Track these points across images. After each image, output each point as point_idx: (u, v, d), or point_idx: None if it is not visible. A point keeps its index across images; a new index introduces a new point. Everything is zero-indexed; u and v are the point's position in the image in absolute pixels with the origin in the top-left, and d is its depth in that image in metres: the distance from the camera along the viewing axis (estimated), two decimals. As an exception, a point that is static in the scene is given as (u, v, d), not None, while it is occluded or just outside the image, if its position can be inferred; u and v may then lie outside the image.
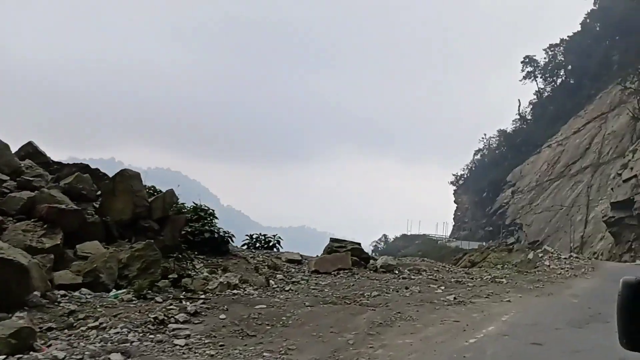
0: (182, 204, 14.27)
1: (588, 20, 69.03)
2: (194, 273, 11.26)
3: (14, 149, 12.03)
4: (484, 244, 52.04)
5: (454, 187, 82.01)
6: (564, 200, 51.72)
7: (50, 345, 5.97)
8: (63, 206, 10.18)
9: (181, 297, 9.05)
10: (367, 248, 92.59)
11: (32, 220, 9.70)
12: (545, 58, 70.54)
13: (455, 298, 10.54)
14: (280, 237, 15.88)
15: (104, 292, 8.75)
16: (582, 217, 47.05)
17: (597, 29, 66.44)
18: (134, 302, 8.23)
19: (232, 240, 13.45)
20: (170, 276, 10.58)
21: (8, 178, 10.94)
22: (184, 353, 6.02)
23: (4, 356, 5.30)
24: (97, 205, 11.59)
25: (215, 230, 12.96)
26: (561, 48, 69.39)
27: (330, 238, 14.94)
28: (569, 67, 68.87)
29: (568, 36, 69.59)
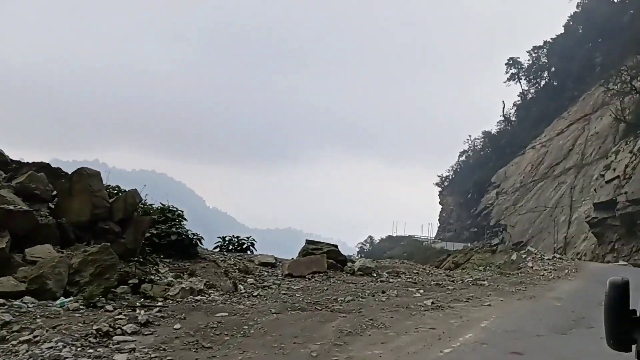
0: (150, 204, 13.55)
1: (571, 23, 69.57)
2: (158, 278, 10.56)
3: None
4: (468, 245, 51.86)
5: (439, 189, 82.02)
6: (548, 201, 51.83)
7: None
8: (11, 207, 9.40)
9: (137, 304, 8.37)
10: (353, 249, 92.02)
11: (-24, 222, 8.91)
12: (529, 60, 70.96)
13: (433, 302, 10.00)
14: (254, 239, 15.23)
15: (50, 301, 8.01)
16: (565, 217, 47.14)
17: (580, 31, 66.97)
18: (81, 311, 7.51)
19: (201, 243, 12.75)
20: (130, 281, 9.87)
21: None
22: (123, 370, 5.35)
23: None
24: (53, 206, 10.83)
25: (183, 232, 12.26)
26: (545, 50, 69.81)
27: (306, 240, 14.31)
28: (553, 69, 69.29)
29: (551, 38, 70.07)
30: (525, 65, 70.86)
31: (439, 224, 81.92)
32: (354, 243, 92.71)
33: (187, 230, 12.54)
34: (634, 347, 1.68)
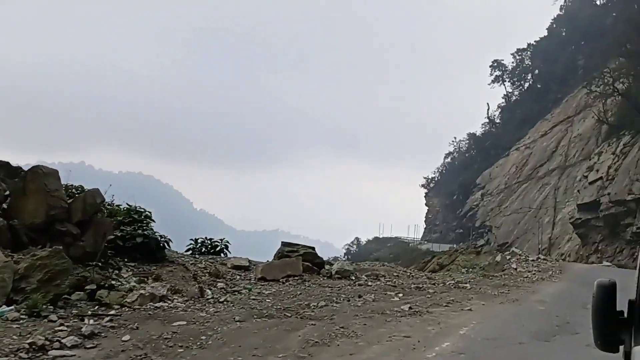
0: (118, 205, 12.85)
1: (554, 26, 69.99)
2: (119, 283, 9.87)
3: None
4: (454, 246, 51.69)
5: (425, 190, 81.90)
6: (532, 203, 51.92)
7: None
8: (-47, 207, 8.65)
9: (88, 313, 7.68)
10: (340, 251, 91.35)
11: None
12: (513, 62, 71.15)
13: (410, 307, 9.46)
14: (228, 242, 14.57)
15: (-11, 310, 7.29)
16: (549, 218, 47.19)
17: (564, 34, 67.39)
18: (21, 321, 6.81)
19: (169, 245, 12.07)
20: (87, 287, 9.18)
21: None
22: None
23: None
24: (5, 207, 10.08)
25: (150, 234, 11.57)
26: (528, 53, 70.07)
27: (282, 242, 13.70)
28: (536, 71, 69.58)
29: (535, 41, 70.37)
30: (510, 67, 71.11)
31: (425, 226, 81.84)
32: (341, 244, 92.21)
33: (155, 232, 11.87)
34: (621, 347, 1.67)
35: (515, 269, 19.25)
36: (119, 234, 11.35)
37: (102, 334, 6.51)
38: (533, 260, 24.24)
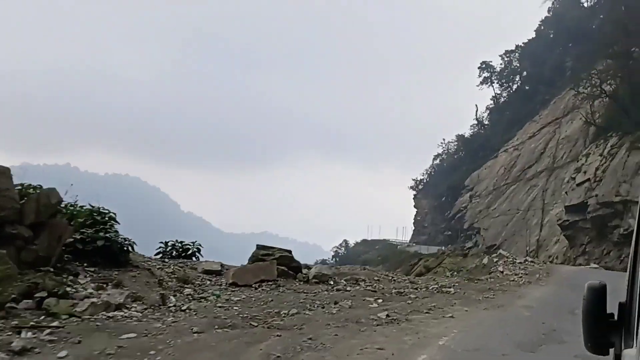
0: (81, 206, 12.06)
1: (542, 27, 70.10)
2: (74, 290, 9.12)
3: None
4: (442, 248, 51.32)
5: (414, 192, 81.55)
6: (520, 204, 51.73)
7: None
8: None
9: (29, 324, 6.94)
10: (328, 253, 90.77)
11: None
12: (501, 64, 71.11)
13: (388, 315, 8.83)
14: (200, 245, 13.82)
15: None
16: (537, 220, 46.99)
17: (551, 35, 67.51)
18: (-54, 335, 6.06)
19: (133, 248, 11.31)
20: (37, 295, 8.43)
21: None
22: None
23: None
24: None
25: (112, 237, 10.81)
26: (516, 54, 70.09)
27: (257, 245, 12.99)
28: (524, 73, 69.61)
29: (523, 43, 70.44)
30: (498, 69, 71.08)
31: (413, 228, 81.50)
32: (329, 247, 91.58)
33: (118, 235, 11.11)
34: (611, 350, 1.70)
35: (502, 272, 18.75)
36: (79, 237, 10.58)
37: (36, 350, 5.79)
38: (520, 262, 23.80)
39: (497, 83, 71.85)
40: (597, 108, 44.00)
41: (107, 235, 10.81)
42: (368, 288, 12.17)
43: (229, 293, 10.36)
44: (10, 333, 6.30)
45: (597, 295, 1.65)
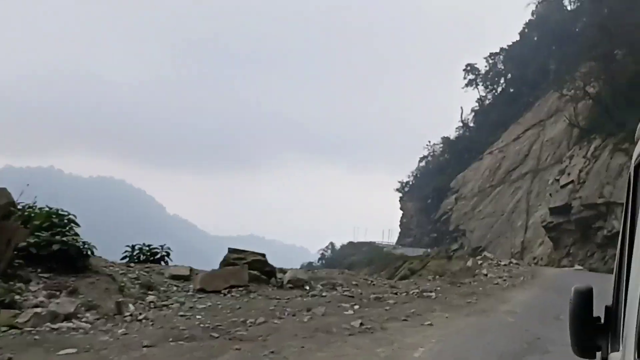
0: (40, 208, 11.29)
1: (526, 30, 70.46)
2: (23, 298, 8.40)
3: None
4: (428, 250, 51.05)
5: (400, 194, 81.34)
6: (505, 206, 51.72)
7: None
8: None
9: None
10: (315, 256, 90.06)
11: None
12: (486, 66, 71.32)
13: (362, 323, 8.24)
14: (169, 248, 13.11)
15: None
16: (522, 222, 46.98)
17: (535, 38, 67.87)
18: None
19: (93, 253, 10.58)
20: (-22, 304, 7.71)
21: None
22: None
23: None
24: None
25: (70, 241, 10.07)
26: (501, 57, 70.35)
27: (229, 248, 12.31)
28: (509, 75, 69.88)
29: (507, 45, 70.75)
30: (483, 71, 71.26)
31: (399, 230, 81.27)
32: (316, 249, 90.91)
33: (77, 239, 10.37)
34: (598, 354, 1.70)
35: (486, 274, 18.35)
36: (33, 241, 9.82)
37: (-46, 370, 5.08)
38: (505, 265, 23.49)
39: (482, 85, 72.03)
40: (581, 110, 44.15)
41: (65, 239, 10.07)
42: (345, 293, 11.58)
43: (194, 300, 9.69)
44: None
45: (584, 298, 1.64)
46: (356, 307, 10.12)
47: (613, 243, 31.22)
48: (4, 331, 6.80)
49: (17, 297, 8.46)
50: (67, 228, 10.59)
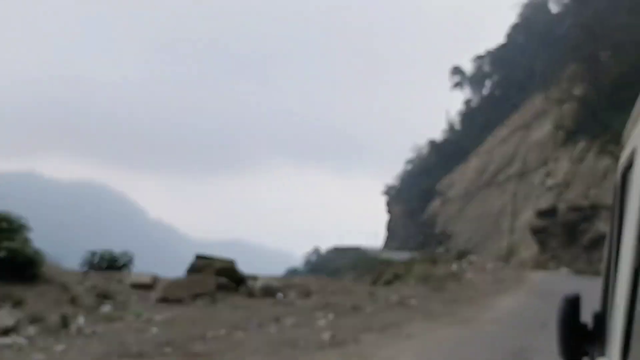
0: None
1: (512, 33, 70.67)
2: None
3: None
4: (415, 254, 50.58)
5: (386, 198, 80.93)
6: (491, 209, 51.51)
7: None
8: None
9: None
10: (300, 260, 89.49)
11: None
12: (472, 69, 71.43)
13: (333, 336, 7.54)
14: (131, 255, 12.29)
15: None
16: (508, 225, 46.77)
17: (521, 41, 68.08)
18: None
19: (44, 261, 9.74)
20: None
21: None
22: None
23: None
24: None
25: (17, 248, 9.23)
26: (487, 59, 70.48)
27: (196, 254, 11.54)
28: (495, 77, 69.99)
29: (494, 48, 70.90)
30: (469, 74, 71.28)
31: (386, 233, 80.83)
32: (302, 253, 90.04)
33: (28, 245, 9.53)
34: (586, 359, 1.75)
35: (470, 279, 17.79)
36: (-24, 247, 8.97)
37: None
38: (490, 268, 23.08)
39: (468, 88, 72.06)
40: (566, 112, 44.12)
41: (12, 245, 9.23)
42: (320, 302, 10.87)
43: (154, 311, 8.91)
44: None
45: (572, 305, 1.63)
46: (330, 316, 9.43)
47: (599, 245, 31.02)
48: None
49: (-49, 309, 7.64)
50: (17, 233, 9.75)
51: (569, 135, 41.15)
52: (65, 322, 7.62)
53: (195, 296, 9.81)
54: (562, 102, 44.15)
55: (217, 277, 10.58)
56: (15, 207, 10.70)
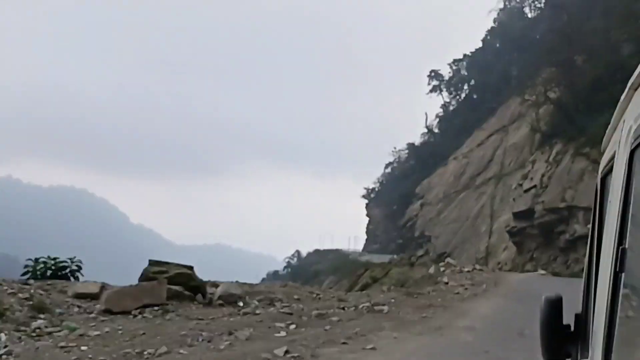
0: None
1: (489, 37, 71.27)
2: None
3: None
4: (395, 257, 50.17)
5: (366, 201, 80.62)
6: (470, 212, 51.48)
7: None
8: None
9: None
10: (282, 264, 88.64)
11: None
12: (450, 72, 71.69)
13: (288, 351, 6.74)
14: (80, 262, 11.28)
15: None
16: (486, 227, 46.72)
17: (497, 45, 68.65)
18: None
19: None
20: None
21: None
22: None
23: None
24: None
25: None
26: (464, 63, 70.85)
27: (149, 260, 10.59)
28: (472, 81, 70.37)
29: (471, 52, 71.33)
30: (447, 77, 71.55)
31: (366, 237, 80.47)
32: (283, 257, 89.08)
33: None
34: None
35: (447, 283, 17.17)
36: None
37: None
38: (468, 271, 22.58)
39: (446, 91, 72.34)
40: (542, 115, 44.36)
41: None
42: (284, 310, 10.05)
43: (92, 324, 7.97)
44: None
45: (554, 307, 1.65)
46: (292, 326, 8.63)
47: (575, 247, 30.99)
48: None
49: None
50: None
51: (545, 138, 41.29)
52: (-20, 340, 6.65)
53: (144, 307, 8.89)
54: (538, 106, 44.36)
55: (173, 284, 9.67)
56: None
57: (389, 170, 79.97)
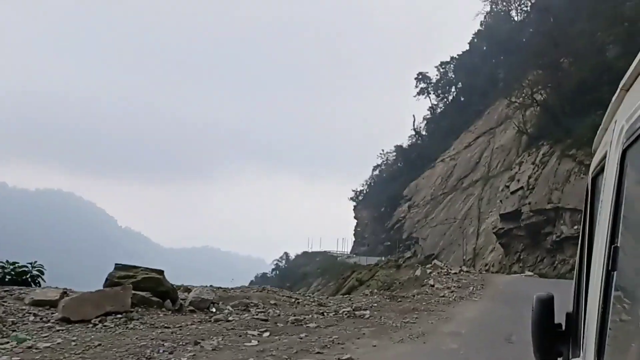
0: None
1: (475, 40, 71.39)
2: None
3: None
4: (382, 259, 49.79)
5: (354, 203, 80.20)
6: (457, 213, 51.28)
7: None
8: None
9: None
10: (269, 266, 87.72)
11: None
12: (437, 75, 71.64)
13: (256, 363, 6.15)
14: (42, 267, 10.56)
15: None
16: (474, 229, 46.53)
17: (484, 48, 68.77)
18: None
19: None
20: None
21: None
22: None
23: None
24: None
25: None
26: (452, 66, 70.88)
27: (116, 264, 9.92)
28: (459, 84, 70.42)
29: (458, 55, 71.41)
30: (434, 80, 71.49)
31: (354, 239, 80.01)
32: (271, 259, 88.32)
33: None
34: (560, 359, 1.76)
35: (433, 285, 16.72)
36: None
37: None
38: (455, 273, 22.21)
39: (433, 94, 72.27)
40: (529, 117, 44.38)
41: None
42: (259, 316, 9.47)
43: (45, 335, 7.30)
44: None
45: (545, 306, 1.66)
46: (265, 334, 8.05)
47: (562, 248, 30.84)
48: None
49: None
50: None
51: (532, 140, 41.25)
52: None
53: (106, 314, 8.24)
54: (524, 108, 44.37)
55: (140, 290, 9.02)
56: None
57: (376, 172, 79.69)
